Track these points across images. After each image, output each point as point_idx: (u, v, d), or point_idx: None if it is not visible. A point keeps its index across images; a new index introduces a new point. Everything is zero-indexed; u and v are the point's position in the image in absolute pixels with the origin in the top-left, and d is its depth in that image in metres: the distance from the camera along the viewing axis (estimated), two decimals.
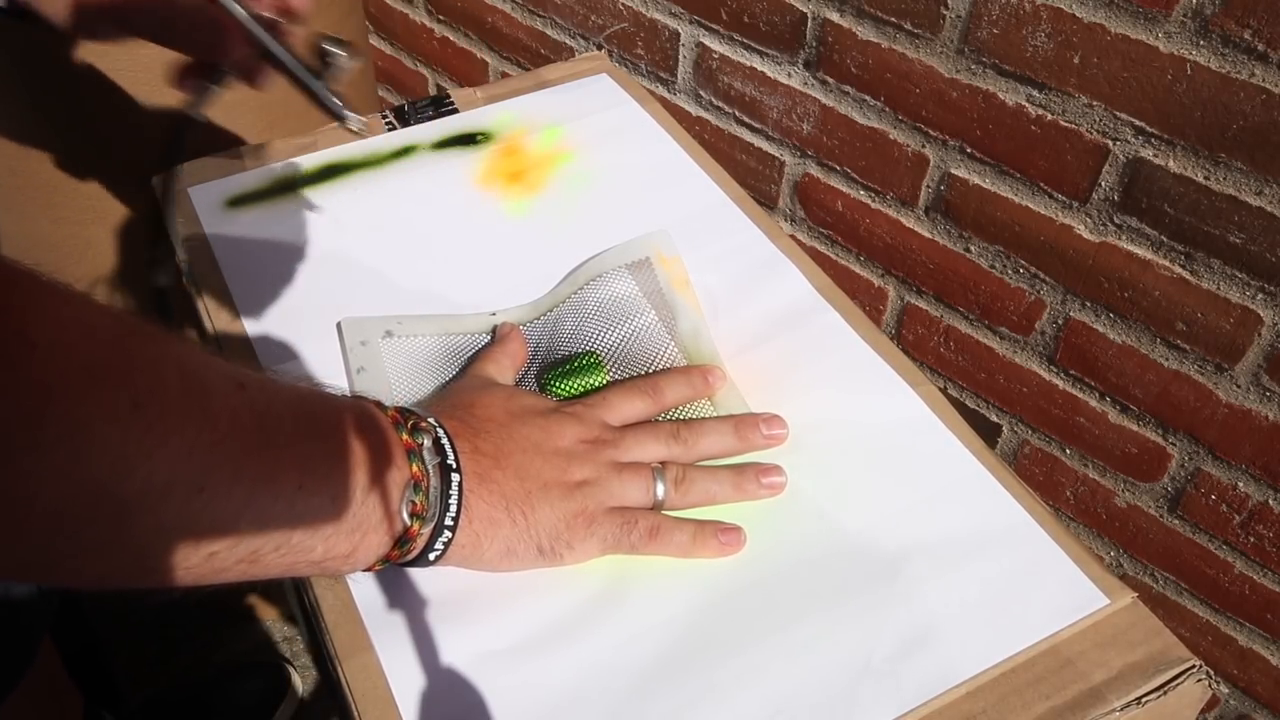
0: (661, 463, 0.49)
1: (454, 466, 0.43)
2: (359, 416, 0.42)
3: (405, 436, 0.43)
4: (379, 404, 0.44)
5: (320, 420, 0.40)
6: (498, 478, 0.45)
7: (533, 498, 0.45)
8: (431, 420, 0.45)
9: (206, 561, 0.36)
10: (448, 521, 0.43)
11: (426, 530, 0.42)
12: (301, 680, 1.19)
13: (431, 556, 0.43)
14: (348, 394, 0.48)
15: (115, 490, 0.32)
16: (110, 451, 0.32)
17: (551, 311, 0.58)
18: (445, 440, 0.44)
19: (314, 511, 0.38)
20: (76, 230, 0.93)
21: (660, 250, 0.60)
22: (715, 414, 0.53)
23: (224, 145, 0.70)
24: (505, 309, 0.58)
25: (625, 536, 0.47)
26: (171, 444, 0.33)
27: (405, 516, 0.41)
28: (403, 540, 0.42)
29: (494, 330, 0.56)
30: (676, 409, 0.53)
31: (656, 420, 0.52)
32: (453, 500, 0.43)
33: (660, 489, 0.48)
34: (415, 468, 0.42)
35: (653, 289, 0.59)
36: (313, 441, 0.39)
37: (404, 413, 0.44)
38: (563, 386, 0.53)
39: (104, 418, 0.31)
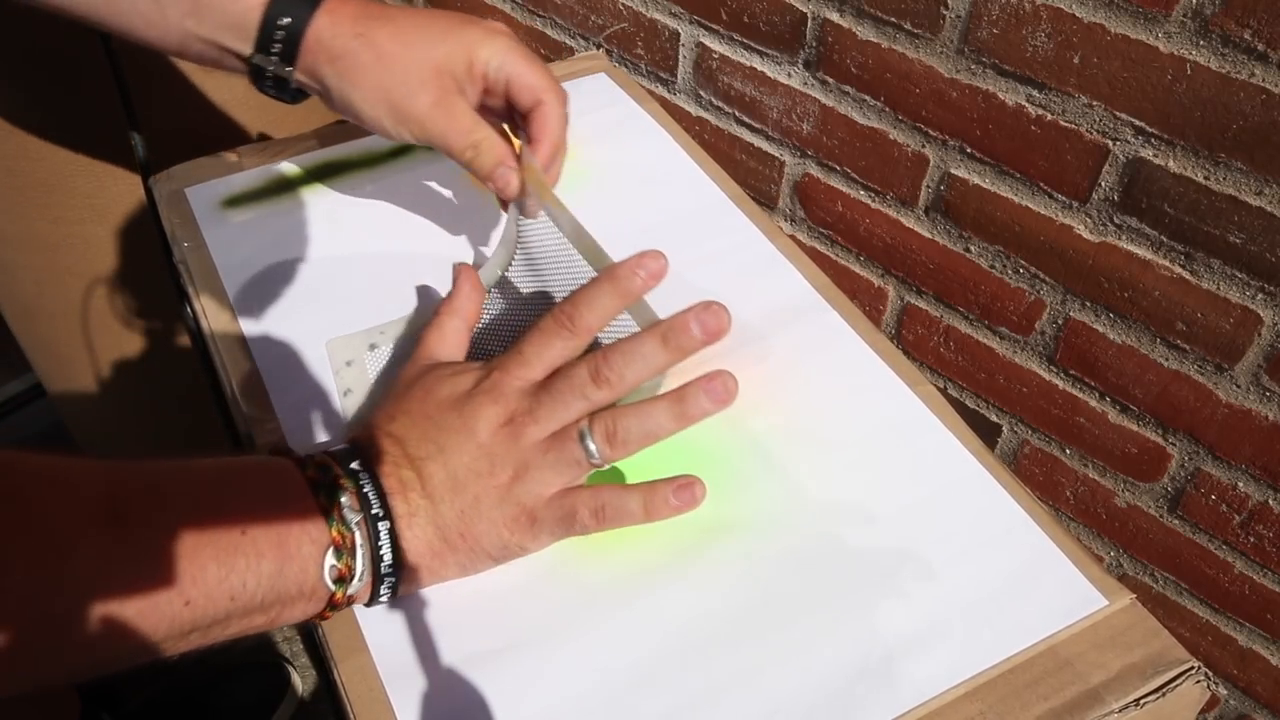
0: (590, 416, 0.45)
1: (380, 515, 0.43)
2: (272, 492, 0.42)
3: (323, 499, 0.42)
4: (301, 461, 0.44)
5: (228, 506, 0.40)
6: (427, 509, 0.44)
7: (467, 516, 0.44)
8: (355, 466, 0.44)
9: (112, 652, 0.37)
10: (384, 570, 0.43)
11: (360, 585, 0.43)
12: (301, 680, 1.18)
13: (383, 599, 0.44)
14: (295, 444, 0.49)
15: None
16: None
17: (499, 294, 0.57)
18: (368, 487, 0.43)
19: (222, 596, 0.39)
20: (76, 230, 0.93)
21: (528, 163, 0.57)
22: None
23: (222, 145, 0.70)
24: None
25: (571, 526, 0.45)
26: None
27: (329, 583, 0.42)
28: (332, 605, 0.42)
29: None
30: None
31: (572, 364, 0.46)
32: (384, 550, 0.42)
33: (593, 449, 0.44)
34: (335, 532, 0.42)
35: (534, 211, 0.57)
36: (221, 532, 0.39)
37: (323, 469, 0.43)
38: None
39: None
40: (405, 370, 0.50)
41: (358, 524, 0.42)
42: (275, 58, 0.53)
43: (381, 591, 0.43)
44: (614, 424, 0.44)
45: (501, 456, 0.44)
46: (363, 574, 0.42)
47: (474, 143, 0.54)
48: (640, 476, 0.51)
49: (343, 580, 0.42)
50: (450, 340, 0.51)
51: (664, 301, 0.60)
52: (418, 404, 0.47)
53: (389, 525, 0.43)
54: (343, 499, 0.42)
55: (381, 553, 0.42)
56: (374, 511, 0.43)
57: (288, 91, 0.55)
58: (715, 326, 0.44)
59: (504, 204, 0.58)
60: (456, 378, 0.48)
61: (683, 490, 0.45)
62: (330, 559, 0.41)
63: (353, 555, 0.42)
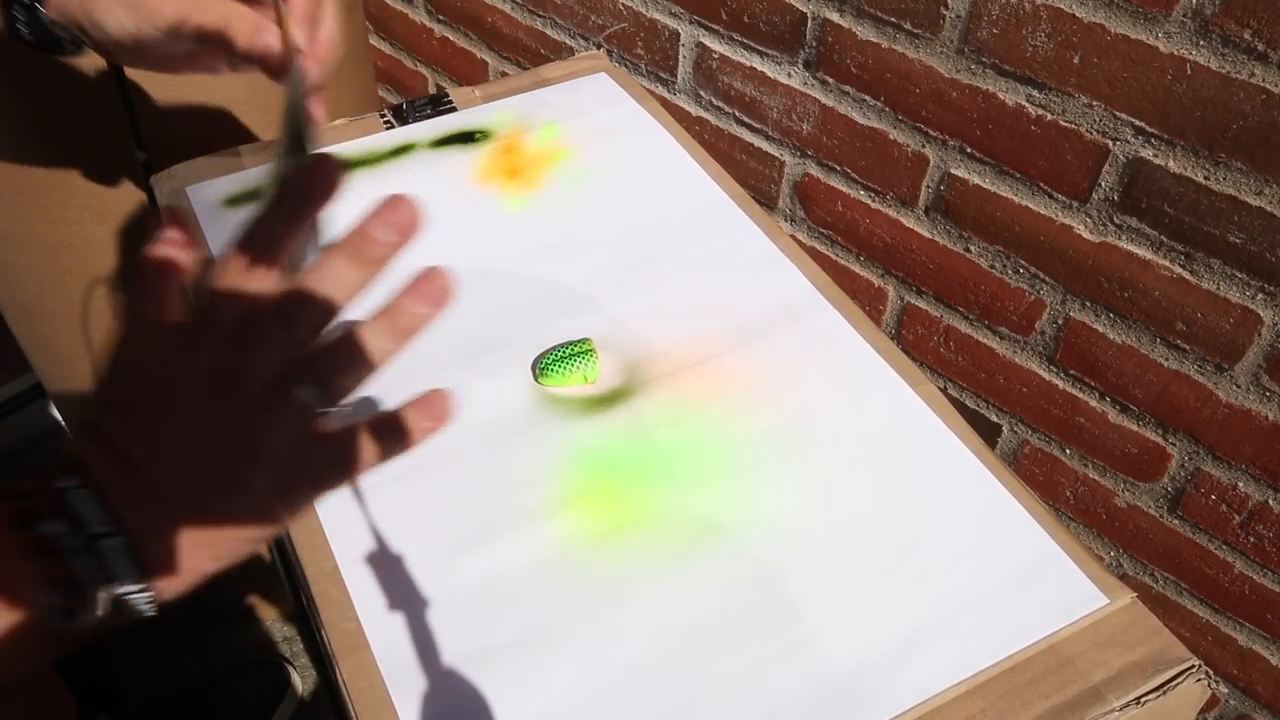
0: (300, 361, 0.38)
1: (103, 533, 0.37)
2: None
3: (23, 533, 0.36)
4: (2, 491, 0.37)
5: None
6: (160, 510, 0.38)
7: (208, 508, 0.38)
8: (67, 483, 0.37)
9: None
10: (125, 591, 0.37)
11: (101, 612, 0.37)
12: (301, 680, 1.18)
13: (148, 613, 0.38)
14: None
15: None
16: None
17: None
18: (83, 505, 0.37)
19: None
20: (76, 230, 0.92)
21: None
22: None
23: (222, 145, 0.70)
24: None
25: (319, 486, 0.39)
26: None
27: (60, 620, 0.36)
28: (76, 638, 0.37)
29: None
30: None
31: (264, 310, 0.38)
32: (116, 568, 0.37)
33: (312, 397, 0.38)
34: (46, 566, 0.36)
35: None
36: None
37: (23, 497, 0.37)
38: (556, 374, 0.53)
39: None
40: (112, 350, 0.41)
41: (77, 549, 0.36)
42: None
43: (138, 609, 0.38)
44: (328, 366, 0.38)
45: (222, 435, 0.38)
46: (99, 600, 0.36)
47: (221, 18, 0.49)
48: (647, 473, 0.51)
49: (76, 612, 0.36)
50: (156, 302, 0.41)
51: (665, 302, 0.60)
52: (119, 389, 0.39)
53: (122, 540, 0.37)
54: (50, 528, 0.36)
55: (115, 572, 0.36)
56: (95, 531, 0.36)
57: (49, 37, 0.52)
58: (405, 221, 0.37)
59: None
60: (155, 350, 0.39)
61: (429, 406, 0.39)
62: (52, 596, 0.36)
63: (79, 585, 0.36)
